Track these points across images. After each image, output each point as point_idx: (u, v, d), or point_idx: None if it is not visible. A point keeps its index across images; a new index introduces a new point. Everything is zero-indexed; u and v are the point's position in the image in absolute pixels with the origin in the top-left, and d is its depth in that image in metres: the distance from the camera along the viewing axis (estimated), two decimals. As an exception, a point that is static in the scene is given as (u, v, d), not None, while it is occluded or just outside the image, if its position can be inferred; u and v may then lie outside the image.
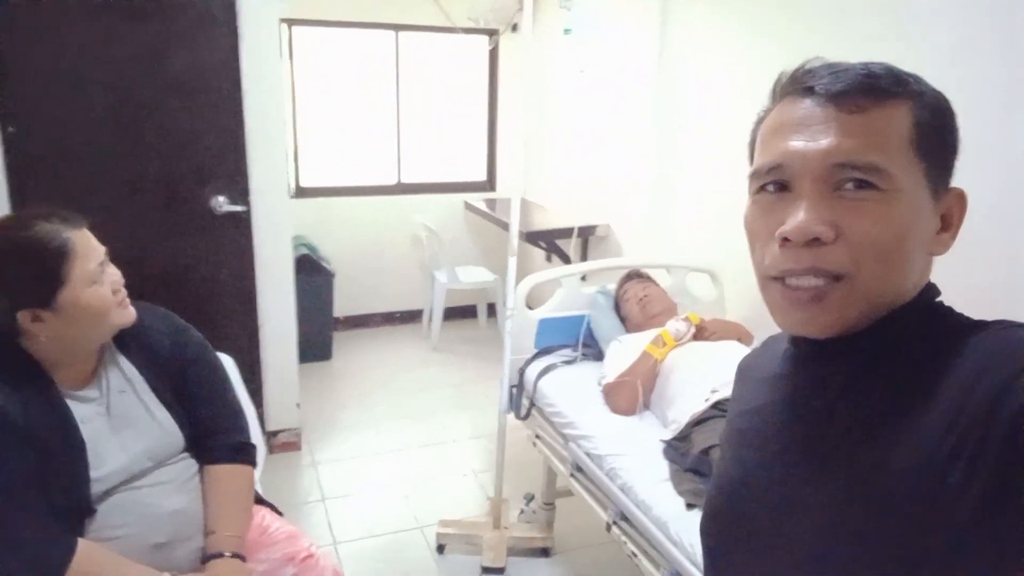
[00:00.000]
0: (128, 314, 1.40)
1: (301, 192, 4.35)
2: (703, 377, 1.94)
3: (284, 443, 3.04)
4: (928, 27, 1.88)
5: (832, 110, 0.64)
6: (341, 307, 4.36)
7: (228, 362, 2.07)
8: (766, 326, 2.47)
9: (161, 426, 1.44)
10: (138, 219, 2.58)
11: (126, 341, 1.45)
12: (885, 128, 0.63)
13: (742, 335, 2.17)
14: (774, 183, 0.68)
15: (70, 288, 1.28)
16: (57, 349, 1.32)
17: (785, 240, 0.64)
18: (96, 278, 1.32)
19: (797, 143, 0.65)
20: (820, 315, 0.65)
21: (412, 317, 4.73)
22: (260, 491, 1.78)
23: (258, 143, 2.71)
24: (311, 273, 3.90)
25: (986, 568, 0.55)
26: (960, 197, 0.68)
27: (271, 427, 3.01)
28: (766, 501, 0.71)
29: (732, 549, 0.75)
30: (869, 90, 0.64)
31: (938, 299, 0.70)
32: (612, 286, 2.57)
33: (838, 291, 0.64)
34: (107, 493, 1.34)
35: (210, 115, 2.62)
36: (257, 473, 1.88)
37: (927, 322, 0.66)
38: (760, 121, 0.73)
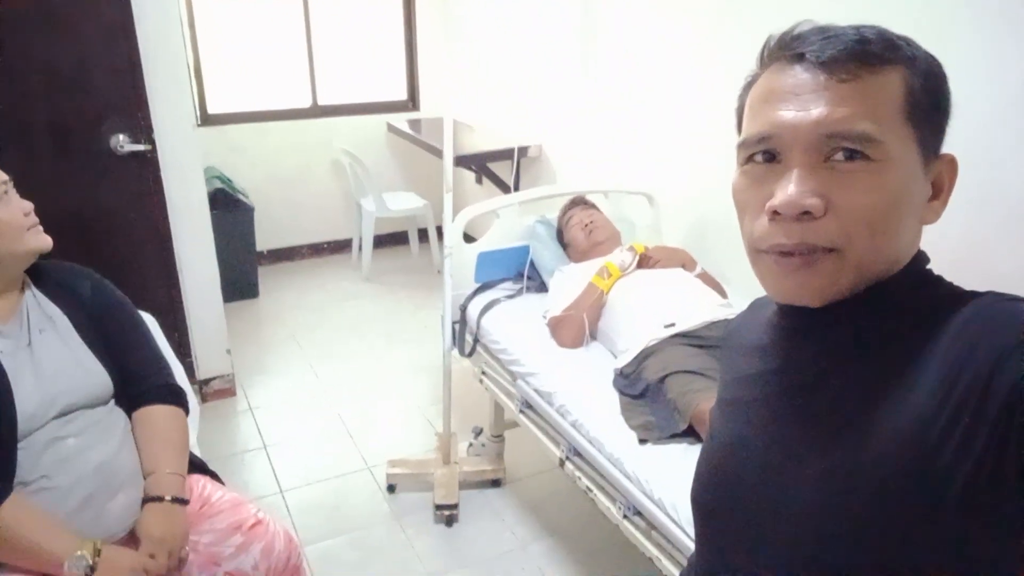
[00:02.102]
0: (44, 239, 1.38)
1: (208, 119, 4.04)
2: (651, 306, 1.94)
3: (217, 390, 2.93)
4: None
5: (823, 78, 0.61)
6: (264, 241, 4.16)
7: (150, 321, 1.94)
8: (704, 249, 2.46)
9: (85, 366, 1.38)
10: (30, 170, 2.29)
11: (48, 285, 1.42)
12: (877, 96, 0.61)
13: (685, 261, 2.16)
14: (763, 153, 0.65)
15: None
16: None
17: (775, 213, 0.63)
18: (1, 198, 1.30)
19: (787, 113, 0.63)
20: (811, 281, 0.64)
21: (340, 247, 4.57)
22: (199, 454, 1.70)
23: (156, 70, 2.45)
24: (228, 208, 3.68)
25: (975, 544, 0.56)
26: (951, 163, 0.67)
27: (202, 375, 2.88)
28: (757, 472, 0.71)
29: (723, 517, 0.76)
30: (861, 56, 0.61)
31: (928, 267, 0.69)
32: (551, 215, 2.51)
33: (829, 260, 0.63)
34: (27, 437, 1.26)
35: (99, 43, 2.33)
36: (193, 433, 1.80)
37: (917, 291, 0.66)
38: (748, 87, 0.70)
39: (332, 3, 4.20)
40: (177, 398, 1.52)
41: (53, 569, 1.20)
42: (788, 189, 0.62)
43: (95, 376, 1.39)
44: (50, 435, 1.28)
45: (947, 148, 0.66)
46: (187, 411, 1.55)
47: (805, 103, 0.62)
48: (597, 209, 2.40)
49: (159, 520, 1.33)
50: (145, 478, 1.38)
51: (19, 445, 1.25)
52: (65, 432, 1.30)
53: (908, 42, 0.64)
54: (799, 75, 0.63)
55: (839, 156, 0.61)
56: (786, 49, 0.65)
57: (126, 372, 1.45)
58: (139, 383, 1.47)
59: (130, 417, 1.45)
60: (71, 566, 1.20)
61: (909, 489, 0.57)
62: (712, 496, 0.77)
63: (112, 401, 1.43)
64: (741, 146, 0.68)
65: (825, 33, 0.63)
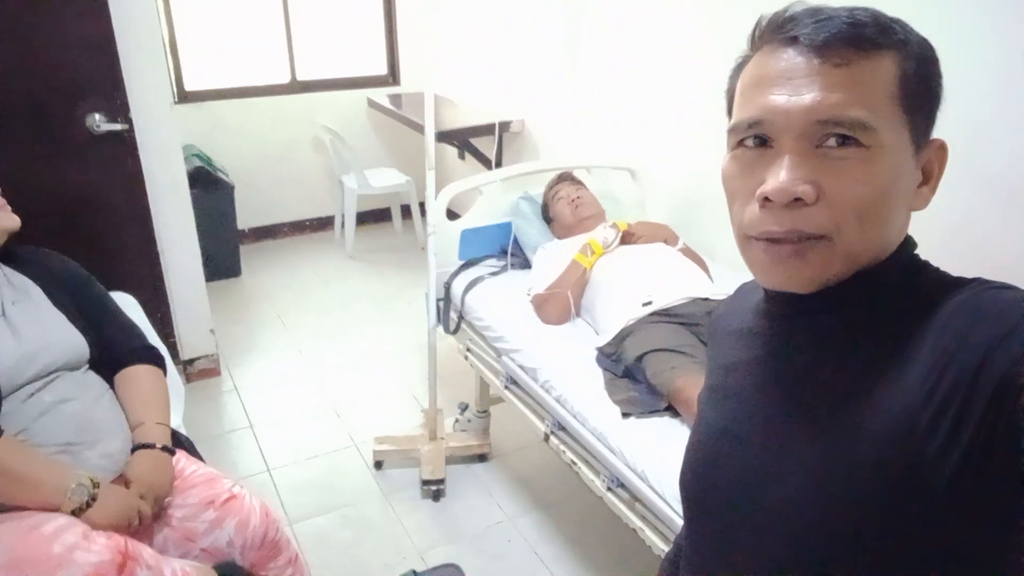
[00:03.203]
0: (13, 219, 1.42)
1: (185, 97, 3.97)
2: (633, 283, 1.95)
3: (202, 370, 2.92)
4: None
5: (816, 62, 0.61)
6: (245, 219, 4.12)
7: (131, 301, 1.94)
8: (688, 223, 2.47)
9: (60, 330, 1.42)
10: (4, 151, 2.25)
11: (19, 263, 1.47)
12: (870, 82, 0.60)
13: (668, 237, 2.18)
14: (754, 138, 0.65)
15: None
16: None
17: (766, 200, 0.62)
18: None
19: (779, 98, 0.62)
20: (802, 270, 0.63)
21: (323, 224, 4.54)
22: (183, 429, 1.72)
23: (132, 46, 2.40)
24: (208, 186, 3.64)
25: (965, 534, 0.56)
26: (942, 149, 0.66)
27: (186, 356, 2.87)
28: (747, 459, 0.71)
29: (712, 505, 0.76)
30: (854, 40, 0.60)
31: (916, 252, 0.69)
32: (534, 191, 2.51)
33: (819, 249, 0.62)
34: (8, 396, 1.29)
35: (71, 19, 2.27)
36: (178, 414, 1.81)
37: (905, 278, 0.66)
38: (738, 69, 0.68)
39: (309, -24, 4.13)
40: (155, 358, 1.58)
41: (54, 498, 1.22)
42: (779, 175, 0.61)
43: (71, 339, 1.43)
44: (27, 393, 1.32)
45: (936, 131, 0.66)
46: (165, 371, 1.61)
47: (798, 88, 0.61)
48: (584, 186, 2.41)
49: (149, 466, 1.38)
50: (133, 430, 1.44)
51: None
52: (43, 391, 1.34)
53: (901, 25, 0.63)
54: (792, 59, 0.62)
55: (831, 142, 0.60)
56: (778, 31, 0.63)
57: (102, 340, 1.50)
58: (116, 348, 1.53)
59: (111, 381, 1.50)
60: (74, 493, 1.23)
61: (898, 478, 0.57)
62: (700, 484, 0.78)
63: (87, 366, 1.47)
64: (732, 131, 0.67)
65: (818, 15, 0.62)
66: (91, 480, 1.26)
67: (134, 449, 1.40)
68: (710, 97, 2.34)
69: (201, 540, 1.40)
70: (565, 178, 2.42)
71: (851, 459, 0.60)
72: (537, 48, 3.31)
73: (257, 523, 1.44)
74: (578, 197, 2.32)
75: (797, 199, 0.60)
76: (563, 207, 2.33)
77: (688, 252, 2.16)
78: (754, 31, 0.67)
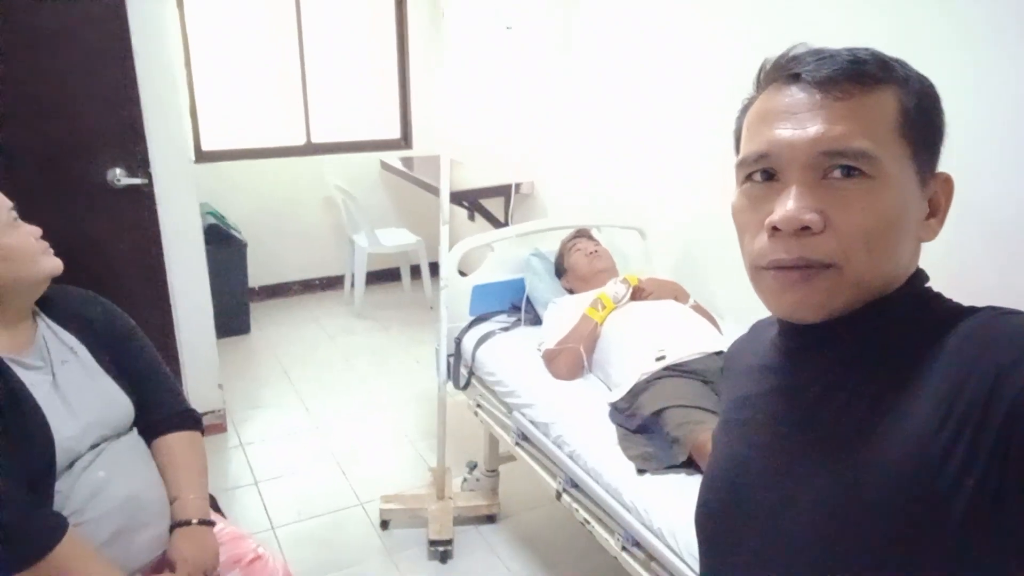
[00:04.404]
0: (56, 263, 1.36)
1: (203, 156, 4.06)
2: (646, 337, 1.95)
3: (208, 426, 2.87)
4: None
5: (819, 97, 0.63)
6: (256, 277, 4.16)
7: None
8: (695, 281, 2.46)
9: (110, 396, 1.38)
10: (26, 201, 2.29)
11: (59, 314, 1.41)
12: (872, 114, 0.62)
13: (678, 293, 2.18)
14: (761, 172, 0.66)
15: None
16: None
17: (774, 229, 0.63)
18: (11, 224, 1.29)
19: (784, 131, 0.64)
20: (810, 296, 0.64)
21: (332, 283, 4.57)
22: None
23: (154, 105, 2.47)
24: (222, 244, 3.68)
25: (979, 559, 0.55)
26: (947, 182, 0.68)
27: (192, 411, 2.84)
28: (761, 492, 0.70)
29: (728, 539, 0.75)
30: (856, 76, 0.63)
31: (927, 284, 0.69)
32: (545, 248, 2.54)
33: (827, 276, 0.63)
34: (65, 471, 1.26)
35: (95, 74, 2.35)
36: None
37: (916, 308, 0.66)
38: (745, 109, 0.71)
39: (327, 44, 4.28)
40: (195, 423, 1.54)
41: None
42: (787, 205, 0.62)
43: (120, 405, 1.39)
44: (80, 467, 1.28)
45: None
46: (202, 431, 1.57)
47: (802, 121, 0.63)
48: (600, 244, 2.44)
49: (190, 543, 1.36)
50: (171, 503, 1.40)
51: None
52: (95, 464, 1.30)
53: (901, 63, 0.65)
54: (795, 94, 0.64)
55: (836, 173, 0.62)
56: (782, 70, 0.66)
57: (143, 400, 1.45)
58: (157, 411, 1.48)
59: (148, 443, 1.46)
60: None
61: (913, 506, 0.56)
62: (713, 517, 0.77)
63: (134, 429, 1.44)
64: (739, 165, 0.68)
65: (820, 54, 0.64)
66: None
67: (173, 526, 1.37)
68: (716, 157, 2.39)
69: None
70: (583, 234, 2.47)
71: (864, 490, 0.60)
72: (545, 113, 3.39)
73: None
74: (595, 250, 2.35)
75: (805, 228, 0.62)
76: (579, 257, 2.36)
77: (698, 309, 2.16)
78: (759, 73, 0.69)
